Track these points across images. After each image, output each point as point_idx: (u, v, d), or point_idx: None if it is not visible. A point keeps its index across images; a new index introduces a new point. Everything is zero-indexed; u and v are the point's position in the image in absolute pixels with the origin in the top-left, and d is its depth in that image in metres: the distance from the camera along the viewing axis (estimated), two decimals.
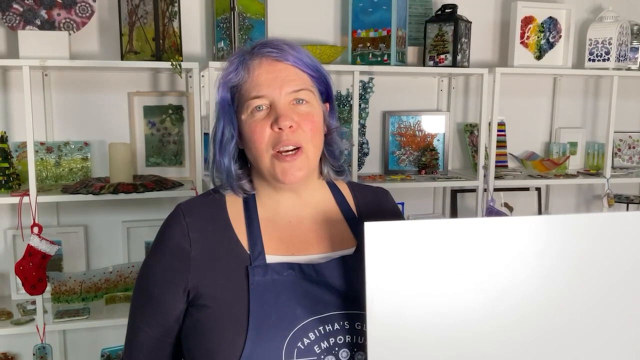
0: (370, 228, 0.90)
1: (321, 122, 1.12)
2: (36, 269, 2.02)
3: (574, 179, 2.61)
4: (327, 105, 1.17)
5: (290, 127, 1.05)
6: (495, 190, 2.45)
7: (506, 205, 2.61)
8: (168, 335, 1.11)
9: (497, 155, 2.48)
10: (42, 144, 2.25)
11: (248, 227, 1.11)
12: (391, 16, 2.29)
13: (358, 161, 2.40)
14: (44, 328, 2.08)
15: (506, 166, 2.74)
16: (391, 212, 1.27)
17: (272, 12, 2.34)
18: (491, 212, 2.41)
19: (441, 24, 2.38)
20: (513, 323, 0.95)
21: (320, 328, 1.02)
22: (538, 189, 2.81)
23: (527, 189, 2.79)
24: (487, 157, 2.45)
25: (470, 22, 2.44)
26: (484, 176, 2.43)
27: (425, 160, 2.60)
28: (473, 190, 2.54)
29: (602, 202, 2.64)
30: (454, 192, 2.72)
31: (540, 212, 2.82)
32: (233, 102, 1.11)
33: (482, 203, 2.45)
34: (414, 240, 0.92)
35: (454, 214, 2.72)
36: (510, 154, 2.76)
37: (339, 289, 1.06)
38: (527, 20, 2.55)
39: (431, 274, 0.92)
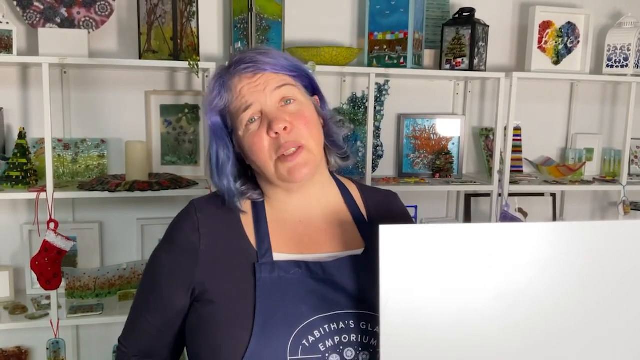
0: (385, 231, 0.90)
1: (314, 115, 1.12)
2: (51, 264, 2.04)
3: (589, 186, 2.59)
4: (317, 98, 1.18)
5: (285, 128, 1.05)
6: (510, 195, 2.44)
7: (520, 210, 2.59)
8: (168, 327, 1.13)
9: (512, 160, 2.47)
10: (59, 140, 2.27)
11: (256, 226, 1.12)
12: (408, 19, 2.29)
13: (372, 163, 2.39)
14: (58, 323, 2.10)
15: (521, 171, 2.72)
16: (400, 215, 1.28)
17: (289, 13, 2.34)
18: (505, 217, 2.40)
19: (458, 28, 2.37)
20: (527, 329, 0.95)
21: (326, 326, 1.03)
22: (553, 195, 2.80)
23: (542, 194, 2.77)
24: (502, 161, 2.44)
25: (488, 26, 2.43)
26: (499, 181, 2.42)
27: (440, 164, 2.59)
28: (487, 195, 2.53)
29: (618, 209, 2.62)
30: (468, 197, 2.71)
31: (555, 219, 2.80)
32: (225, 125, 1.12)
33: (497, 208, 2.43)
34: (429, 244, 0.92)
35: (467, 218, 2.71)
36: (526, 159, 2.74)
37: (346, 288, 1.06)
38: (545, 25, 2.54)
39: (445, 278, 0.92)
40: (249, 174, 1.17)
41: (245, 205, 1.15)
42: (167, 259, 1.13)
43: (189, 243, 1.10)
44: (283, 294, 1.04)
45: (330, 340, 1.02)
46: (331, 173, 1.22)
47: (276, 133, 1.05)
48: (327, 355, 1.01)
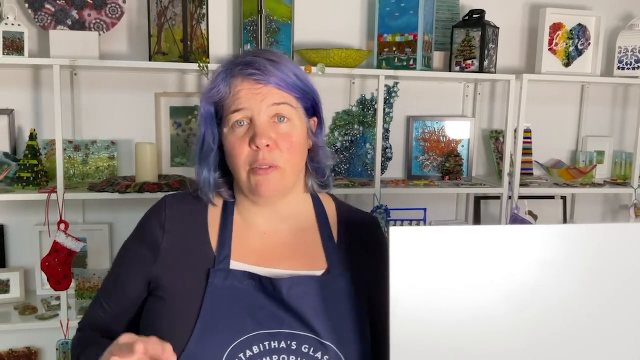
0: (396, 233, 0.90)
1: (302, 140, 1.10)
2: (62, 265, 2.05)
3: (600, 189, 2.57)
4: (315, 120, 1.15)
5: (268, 146, 1.05)
6: (520, 198, 2.43)
7: (530, 213, 2.58)
8: (122, 316, 1.15)
9: (522, 162, 2.46)
10: (70, 142, 2.28)
11: (221, 231, 1.12)
12: (418, 21, 2.28)
13: (382, 166, 2.39)
14: (68, 324, 2.10)
15: (531, 174, 2.71)
16: (375, 244, 1.19)
17: (298, 15, 2.35)
18: (515, 220, 2.39)
19: (468, 30, 2.37)
20: (536, 330, 0.94)
21: (267, 343, 1.01)
22: (564, 198, 2.78)
23: (552, 197, 2.75)
24: (512, 164, 2.43)
25: (498, 28, 2.43)
26: (509, 183, 2.41)
27: (449, 166, 2.58)
28: (497, 198, 2.52)
29: (629, 212, 2.60)
30: (478, 199, 2.70)
31: (565, 221, 2.78)
32: (217, 115, 1.11)
33: (507, 211, 2.42)
34: (439, 245, 0.91)
35: (477, 221, 2.70)
36: (536, 161, 2.73)
37: (295, 307, 1.04)
38: (556, 27, 2.53)
39: (454, 280, 0.92)
40: (226, 168, 1.15)
41: (217, 202, 1.15)
42: (130, 250, 1.16)
43: (153, 238, 1.12)
44: (231, 304, 1.03)
45: (268, 358, 1.01)
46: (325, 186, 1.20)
47: (257, 147, 1.04)
48: None
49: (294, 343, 1.02)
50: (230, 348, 1.00)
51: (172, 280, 1.08)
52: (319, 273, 1.10)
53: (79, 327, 1.21)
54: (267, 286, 1.05)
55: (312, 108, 1.14)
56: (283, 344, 1.02)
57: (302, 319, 1.03)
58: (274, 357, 1.01)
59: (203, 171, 1.12)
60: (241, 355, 1.00)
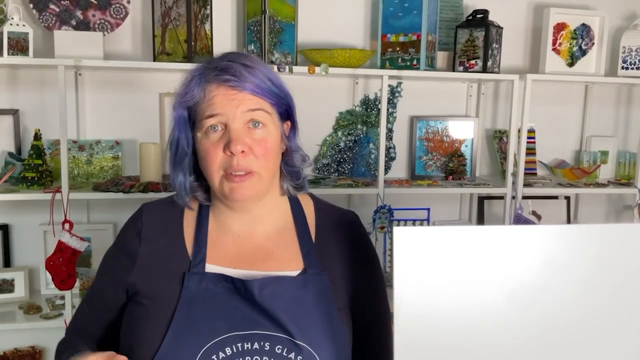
0: (399, 232, 0.90)
1: (276, 145, 1.10)
2: (66, 264, 2.05)
3: (604, 189, 2.57)
4: (288, 123, 1.15)
5: (243, 152, 1.05)
6: (524, 198, 2.43)
7: (534, 213, 2.58)
8: (102, 320, 1.18)
9: (526, 162, 2.45)
10: (74, 142, 2.29)
11: (196, 235, 1.13)
12: (421, 21, 2.28)
13: (385, 165, 2.39)
14: None
15: (535, 174, 2.71)
16: (354, 240, 1.19)
17: (302, 15, 2.35)
18: (519, 220, 2.39)
19: (472, 29, 2.37)
20: (541, 330, 0.94)
21: (239, 344, 1.02)
22: (567, 198, 2.78)
23: (556, 197, 2.75)
24: (515, 164, 2.43)
25: (502, 28, 2.43)
26: (513, 183, 2.41)
27: (453, 166, 2.58)
28: (500, 198, 2.52)
29: (633, 212, 2.60)
30: (481, 199, 2.70)
31: (569, 221, 2.78)
32: (190, 119, 1.11)
33: (510, 211, 2.42)
34: (442, 245, 0.92)
35: (480, 221, 2.70)
36: (540, 161, 2.73)
37: (267, 308, 1.04)
38: (560, 27, 2.53)
39: (458, 280, 0.92)
40: (201, 171, 1.15)
41: (193, 206, 1.16)
42: (110, 258, 1.19)
43: (131, 246, 1.14)
44: (205, 307, 1.04)
45: (241, 359, 1.01)
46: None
47: (232, 153, 1.04)
48: None
49: (267, 344, 1.02)
50: (203, 350, 1.01)
51: (149, 285, 1.09)
52: (295, 273, 1.10)
53: (65, 332, 1.24)
54: (239, 288, 1.05)
55: (286, 112, 1.14)
56: (256, 345, 1.02)
57: (274, 319, 1.03)
58: (246, 358, 1.01)
59: (178, 175, 1.13)
60: (214, 357, 1.01)
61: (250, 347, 1.02)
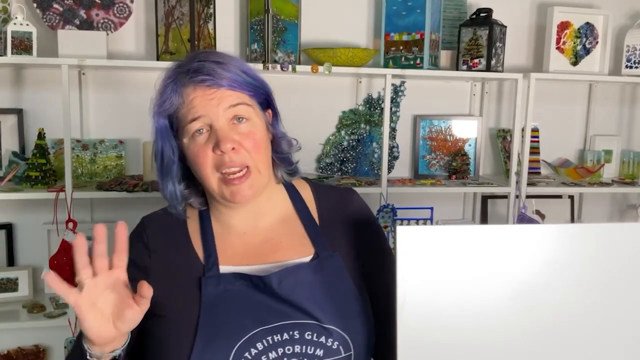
0: (402, 232, 0.90)
1: (264, 135, 1.10)
2: (70, 263, 2.05)
3: (608, 188, 2.56)
4: (269, 112, 1.15)
5: (233, 148, 1.04)
6: (528, 197, 2.42)
7: (538, 212, 2.57)
8: None
9: (529, 161, 2.45)
10: (78, 141, 2.29)
11: (203, 239, 1.12)
12: (425, 19, 2.28)
13: (388, 165, 2.39)
14: (76, 322, 2.11)
15: (539, 173, 2.70)
16: (357, 215, 1.21)
17: (305, 14, 2.35)
18: (523, 219, 2.38)
19: (476, 28, 2.36)
20: (544, 330, 0.94)
21: (269, 338, 1.02)
22: (571, 197, 2.77)
23: (559, 196, 2.75)
24: (519, 163, 2.42)
25: (505, 27, 2.42)
26: (516, 183, 2.41)
27: (456, 165, 2.58)
28: (504, 197, 2.51)
29: (637, 211, 2.59)
30: (485, 198, 2.70)
31: (573, 221, 2.77)
32: (172, 127, 1.09)
33: (514, 210, 2.42)
34: (445, 245, 0.91)
35: (484, 220, 2.69)
36: (544, 160, 2.72)
37: (289, 298, 1.04)
38: (564, 26, 2.52)
39: (462, 279, 0.92)
40: (193, 178, 1.14)
41: (191, 213, 1.16)
42: None
43: (140, 260, 1.11)
44: (228, 308, 1.04)
45: (273, 352, 1.01)
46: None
47: (222, 152, 1.03)
48: None
49: (296, 332, 1.02)
50: (235, 349, 1.00)
51: (167, 296, 1.07)
52: (308, 259, 1.11)
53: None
54: (258, 284, 1.05)
55: (266, 101, 1.13)
56: (286, 335, 1.02)
57: (299, 307, 1.04)
58: (278, 350, 1.02)
59: (167, 185, 1.12)
60: (246, 354, 1.01)
61: (280, 339, 1.02)
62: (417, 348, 0.92)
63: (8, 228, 2.30)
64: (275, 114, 1.17)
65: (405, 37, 2.33)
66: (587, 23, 2.55)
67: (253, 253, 1.12)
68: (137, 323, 0.95)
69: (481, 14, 2.38)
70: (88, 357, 0.95)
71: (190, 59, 1.08)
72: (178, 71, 1.08)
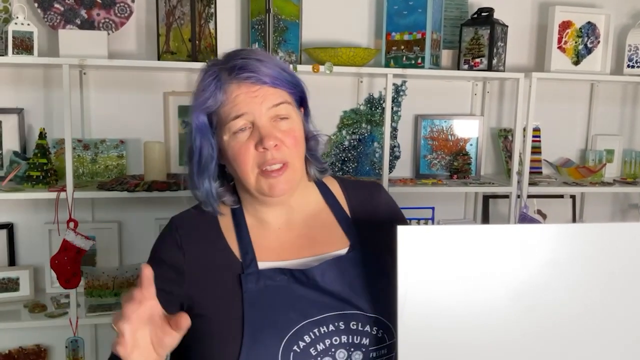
0: (403, 231, 0.90)
1: (302, 133, 1.12)
2: (71, 263, 2.06)
3: (610, 187, 2.56)
4: (302, 110, 1.17)
5: (275, 145, 1.05)
6: (529, 197, 2.42)
7: (539, 212, 2.57)
8: None
9: (531, 161, 2.44)
10: (79, 141, 2.29)
11: (238, 236, 1.13)
12: (426, 19, 2.28)
13: (389, 164, 2.39)
14: (77, 322, 2.12)
15: (540, 173, 2.70)
16: (385, 207, 1.24)
17: (306, 14, 2.35)
18: (524, 219, 2.38)
19: (477, 28, 2.36)
20: (544, 329, 0.94)
21: (315, 330, 1.03)
22: (573, 197, 2.77)
23: (561, 196, 2.74)
24: (521, 163, 2.42)
25: (507, 26, 2.42)
26: (518, 182, 2.40)
27: (458, 165, 2.57)
28: (506, 197, 2.51)
29: (638, 211, 2.58)
30: (486, 198, 2.70)
31: (574, 220, 2.77)
32: (211, 124, 1.10)
33: (515, 210, 2.41)
34: (446, 244, 0.91)
35: (485, 220, 2.69)
36: (545, 160, 2.72)
37: (332, 290, 1.06)
38: (565, 25, 2.51)
39: (462, 279, 0.92)
40: (226, 176, 1.16)
41: (224, 210, 1.16)
42: (155, 278, 1.07)
43: (174, 260, 1.11)
44: (271, 303, 1.04)
45: (321, 344, 1.02)
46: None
47: (265, 149, 1.05)
48: (319, 358, 1.02)
49: (341, 323, 1.04)
50: (283, 344, 1.01)
51: (206, 295, 1.08)
52: (344, 251, 1.13)
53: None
54: (299, 277, 1.07)
55: (300, 99, 1.16)
56: (331, 327, 1.03)
57: (342, 298, 1.05)
58: (326, 341, 1.03)
59: (203, 183, 1.12)
60: (295, 347, 1.02)
61: (326, 330, 1.03)
62: (417, 347, 0.92)
63: (9, 228, 2.30)
64: (307, 113, 1.19)
65: (406, 37, 2.33)
66: (589, 22, 2.55)
67: (289, 248, 1.13)
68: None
69: (482, 14, 2.37)
70: None
71: (231, 57, 1.10)
72: (220, 68, 1.09)
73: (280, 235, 1.15)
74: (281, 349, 1.01)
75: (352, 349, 1.03)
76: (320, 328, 1.03)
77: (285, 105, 1.08)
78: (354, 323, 1.04)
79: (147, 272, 0.93)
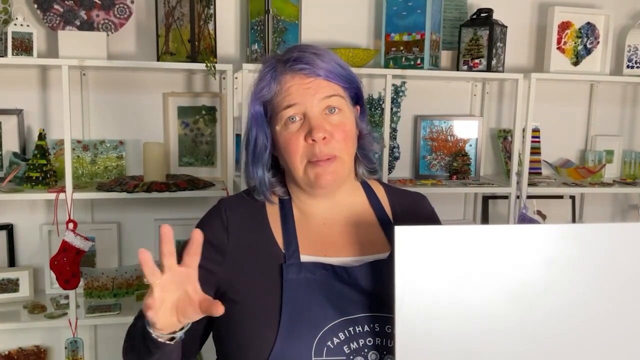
0: (401, 231, 0.90)
1: (353, 128, 1.13)
2: (70, 264, 2.06)
3: (609, 188, 2.55)
4: (358, 108, 1.18)
5: (324, 138, 1.07)
6: (528, 197, 2.42)
7: (539, 213, 2.57)
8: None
9: (530, 162, 2.44)
10: (78, 142, 2.29)
11: (283, 227, 1.13)
12: (425, 20, 2.28)
13: (389, 165, 2.39)
14: (76, 322, 2.12)
15: (540, 173, 2.70)
16: (428, 218, 1.27)
17: (306, 15, 2.34)
18: (524, 219, 2.38)
19: (476, 28, 2.36)
20: (543, 331, 0.94)
21: (350, 329, 1.03)
22: (572, 197, 2.77)
23: (561, 197, 2.74)
24: (520, 163, 2.42)
25: (506, 27, 2.42)
26: (517, 183, 2.40)
27: (457, 165, 2.57)
28: (505, 197, 2.51)
29: (638, 212, 2.58)
30: (486, 199, 2.69)
31: (574, 221, 2.77)
32: (266, 113, 1.12)
33: (515, 210, 2.41)
34: (445, 245, 0.91)
35: (485, 220, 2.69)
36: (545, 160, 2.72)
37: (371, 292, 1.06)
38: (564, 26, 2.51)
39: (461, 280, 0.92)
40: (279, 167, 1.18)
41: (274, 199, 1.17)
42: None
43: (218, 241, 1.12)
44: (309, 295, 1.05)
45: (354, 343, 1.03)
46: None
47: (314, 140, 1.06)
48: (351, 357, 1.02)
49: (376, 325, 1.04)
50: (317, 338, 1.02)
51: (245, 280, 1.09)
52: (384, 256, 1.13)
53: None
54: (341, 274, 1.07)
55: (356, 96, 1.17)
56: (367, 328, 1.04)
57: (381, 301, 1.05)
58: (359, 341, 1.03)
59: (257, 171, 1.14)
60: (329, 343, 1.02)
61: (361, 330, 1.04)
62: (415, 348, 0.92)
63: (9, 229, 2.30)
64: (363, 111, 1.20)
65: (405, 38, 2.33)
66: (588, 23, 2.55)
67: (331, 244, 1.14)
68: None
69: (482, 14, 2.37)
70: (151, 335, 0.95)
71: (290, 50, 1.13)
72: (277, 59, 1.12)
73: (323, 230, 1.15)
74: (315, 342, 1.01)
75: (384, 352, 1.03)
76: (356, 327, 1.04)
77: (337, 98, 1.10)
78: (389, 327, 1.04)
79: (198, 237, 0.93)
